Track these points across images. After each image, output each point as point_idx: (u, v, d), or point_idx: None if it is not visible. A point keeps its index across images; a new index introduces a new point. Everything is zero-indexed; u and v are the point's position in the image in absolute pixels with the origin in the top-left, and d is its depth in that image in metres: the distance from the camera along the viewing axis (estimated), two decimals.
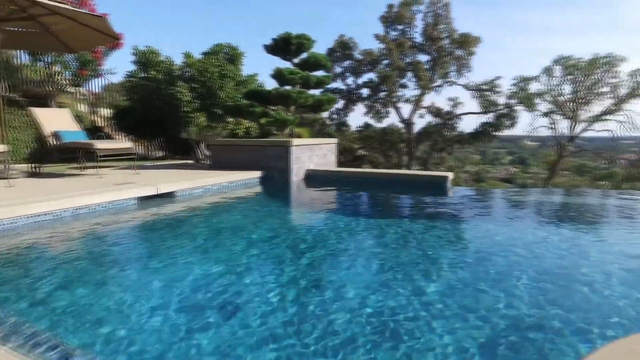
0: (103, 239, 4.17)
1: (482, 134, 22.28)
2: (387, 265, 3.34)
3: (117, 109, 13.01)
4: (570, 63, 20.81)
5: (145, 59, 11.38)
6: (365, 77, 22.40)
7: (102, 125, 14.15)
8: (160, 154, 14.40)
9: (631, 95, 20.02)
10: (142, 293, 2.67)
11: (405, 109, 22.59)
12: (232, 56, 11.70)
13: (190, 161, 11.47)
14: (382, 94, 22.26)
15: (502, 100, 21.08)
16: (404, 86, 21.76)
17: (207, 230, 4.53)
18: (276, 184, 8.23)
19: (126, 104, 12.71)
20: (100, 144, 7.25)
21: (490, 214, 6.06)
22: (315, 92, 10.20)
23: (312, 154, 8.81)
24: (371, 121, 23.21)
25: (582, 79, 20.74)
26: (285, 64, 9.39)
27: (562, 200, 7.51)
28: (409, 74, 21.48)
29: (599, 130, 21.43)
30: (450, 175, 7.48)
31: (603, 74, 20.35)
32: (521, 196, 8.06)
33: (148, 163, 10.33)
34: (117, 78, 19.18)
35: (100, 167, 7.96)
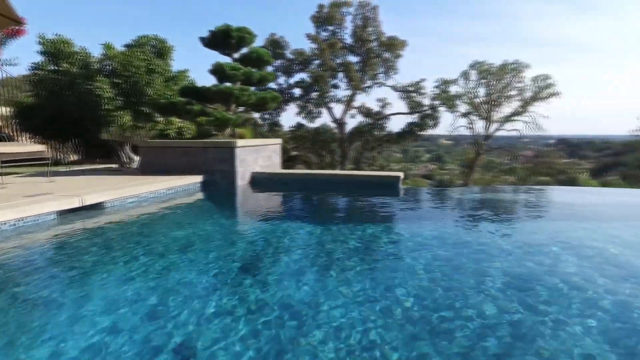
0: (9, 270, 3.21)
1: (409, 133, 23.07)
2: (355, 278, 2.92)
3: (20, 107, 11.07)
4: (483, 68, 22.38)
5: (55, 49, 9.77)
6: (297, 77, 22.01)
7: (0, 125, 12.00)
8: (74, 157, 12.61)
9: (534, 98, 22.07)
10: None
11: (337, 109, 22.61)
12: (161, 50, 10.52)
13: (113, 165, 10.13)
14: (314, 94, 22.01)
15: (426, 101, 21.96)
16: (335, 86, 21.74)
17: (147, 251, 3.74)
18: (221, 189, 7.45)
19: (31, 100, 10.85)
20: (2, 148, 5.92)
21: (453, 211, 5.96)
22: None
23: (258, 155, 8.16)
24: (304, 121, 22.88)
25: (494, 82, 22.42)
26: (224, 59, 8.57)
27: (526, 196, 7.75)
28: (340, 75, 21.50)
29: (509, 130, 23.39)
30: (401, 175, 7.32)
31: (511, 79, 22.19)
32: (461, 195, 8.20)
33: (62, 169, 8.86)
34: (19, 70, 16.54)
35: (1, 174, 6.55)
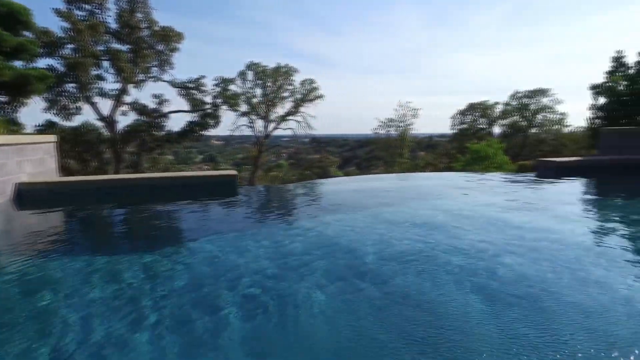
0: None
1: (191, 132, 21.61)
2: None
3: None
4: (259, 69, 23.11)
5: None
6: (42, 63, 16.98)
7: None
8: None
9: (303, 100, 24.33)
10: None
11: (104, 104, 18.84)
12: None
13: None
14: (70, 86, 17.58)
15: (208, 99, 20.99)
16: (100, 78, 17.96)
17: None
18: None
19: None
20: None
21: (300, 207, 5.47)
22: None
23: (24, 158, 5.50)
24: (56, 119, 17.97)
25: (270, 84, 23.51)
26: None
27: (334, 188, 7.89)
28: (106, 64, 17.92)
29: (285, 129, 25.06)
30: (235, 172, 6.36)
31: (284, 81, 23.77)
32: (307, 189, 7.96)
33: None
34: None
35: None
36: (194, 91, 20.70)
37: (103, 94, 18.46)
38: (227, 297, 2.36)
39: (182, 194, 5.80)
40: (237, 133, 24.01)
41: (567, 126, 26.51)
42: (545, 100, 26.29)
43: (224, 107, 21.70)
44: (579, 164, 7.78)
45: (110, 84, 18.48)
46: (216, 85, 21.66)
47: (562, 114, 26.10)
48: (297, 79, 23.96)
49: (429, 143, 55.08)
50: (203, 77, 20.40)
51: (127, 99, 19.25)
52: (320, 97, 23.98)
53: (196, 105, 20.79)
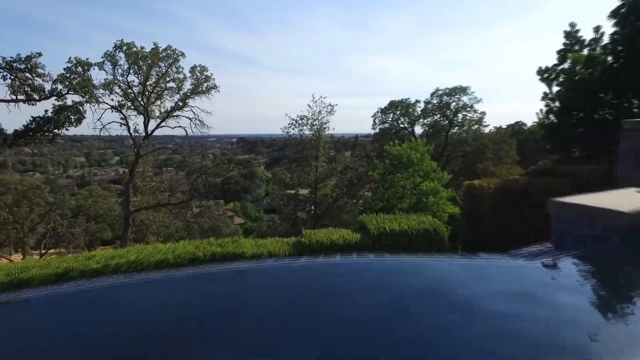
0: None
1: (37, 131, 15.06)
2: None
3: None
4: (133, 51, 16.97)
5: None
6: None
7: None
8: None
9: (195, 91, 18.57)
10: None
11: None
12: None
13: None
14: None
15: (48, 87, 14.55)
16: None
17: None
18: None
19: None
20: None
21: None
22: None
23: None
24: None
25: (148, 70, 17.47)
26: None
27: None
28: None
29: (174, 127, 19.12)
30: None
31: (168, 67, 17.85)
32: None
33: None
34: None
35: None
36: (27, 75, 14.16)
37: None
38: None
39: None
40: (104, 133, 17.52)
41: (485, 126, 23.58)
42: (465, 99, 23.05)
43: (77, 97, 15.41)
44: None
45: None
46: (69, 68, 15.30)
47: (481, 113, 23.06)
48: (186, 65, 18.23)
49: (355, 143, 51.52)
50: (38, 55, 13.92)
51: None
52: (214, 87, 18.38)
53: (33, 92, 14.27)
